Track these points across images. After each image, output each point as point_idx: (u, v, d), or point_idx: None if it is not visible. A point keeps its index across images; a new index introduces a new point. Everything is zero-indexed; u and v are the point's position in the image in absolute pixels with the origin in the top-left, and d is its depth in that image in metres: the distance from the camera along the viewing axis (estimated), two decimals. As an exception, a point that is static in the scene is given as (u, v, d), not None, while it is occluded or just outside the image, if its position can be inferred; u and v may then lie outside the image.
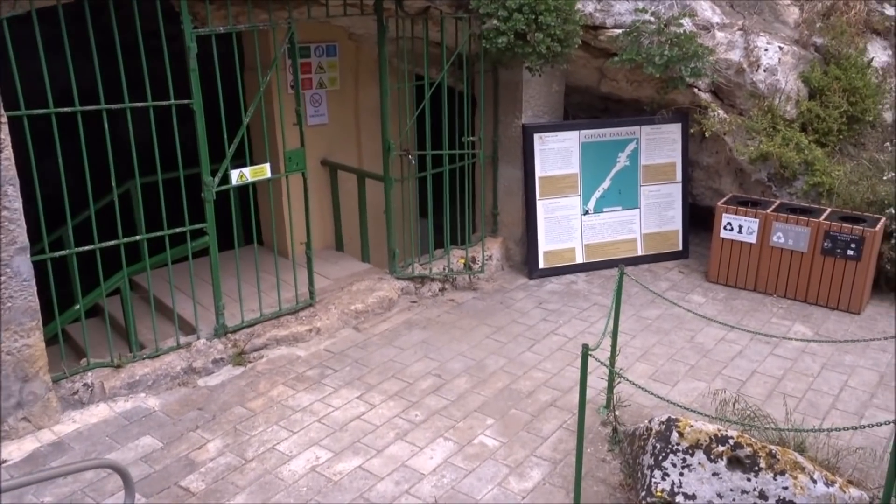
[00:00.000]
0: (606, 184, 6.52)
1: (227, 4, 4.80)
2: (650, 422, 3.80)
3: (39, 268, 4.20)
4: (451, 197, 6.05)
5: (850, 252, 5.54)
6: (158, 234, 4.70)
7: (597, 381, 4.48)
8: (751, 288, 6.05)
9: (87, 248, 4.45)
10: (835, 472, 3.59)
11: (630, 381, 3.60)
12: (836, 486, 3.39)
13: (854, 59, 6.25)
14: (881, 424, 3.10)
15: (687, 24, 5.85)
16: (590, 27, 5.81)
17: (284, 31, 5.04)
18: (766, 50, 6.05)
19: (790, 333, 5.31)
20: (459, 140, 5.94)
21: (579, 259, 6.53)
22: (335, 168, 6.77)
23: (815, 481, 3.36)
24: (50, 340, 4.59)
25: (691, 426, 3.56)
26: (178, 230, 4.76)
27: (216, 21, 4.85)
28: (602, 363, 3.64)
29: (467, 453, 4.08)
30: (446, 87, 5.72)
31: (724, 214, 6.02)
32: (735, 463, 3.44)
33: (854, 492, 3.43)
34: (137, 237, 4.66)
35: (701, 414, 3.53)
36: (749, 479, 3.39)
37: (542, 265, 6.43)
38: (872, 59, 6.42)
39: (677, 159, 6.61)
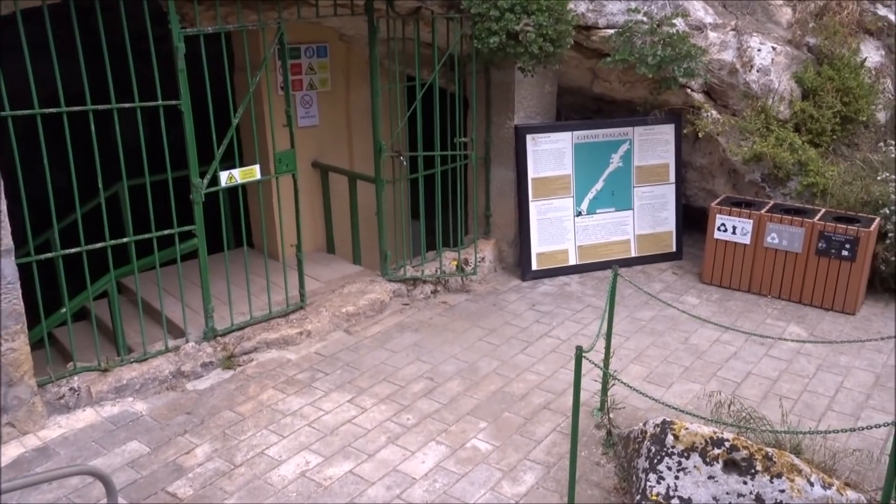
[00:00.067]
0: (599, 185, 6.49)
1: (215, 5, 4.74)
2: (645, 424, 3.75)
3: (25, 271, 4.14)
4: (443, 198, 6.00)
5: (845, 252, 5.51)
6: (146, 236, 4.64)
7: (590, 384, 4.44)
8: (745, 289, 6.03)
9: (73, 250, 4.39)
10: (832, 474, 3.55)
11: (624, 384, 3.56)
12: (834, 488, 3.35)
13: (847, 59, 6.24)
14: (880, 426, 3.07)
15: (679, 24, 5.83)
16: (582, 27, 5.78)
17: (274, 32, 4.99)
18: (759, 50, 6.03)
19: (785, 334, 5.28)
20: (451, 141, 5.90)
21: (572, 261, 6.50)
22: (326, 170, 6.72)
23: (812, 484, 3.32)
24: (36, 344, 4.52)
25: (686, 429, 3.52)
26: (166, 232, 4.70)
27: (205, 22, 4.80)
28: (596, 365, 3.59)
29: (460, 457, 4.03)
30: (438, 88, 5.68)
31: (717, 215, 6.00)
32: (731, 466, 3.39)
33: (851, 494, 3.39)
34: (125, 239, 4.59)
35: (696, 416, 3.49)
36: (745, 483, 3.34)
37: (535, 267, 6.38)
38: (865, 59, 6.41)
39: (670, 160, 6.59)
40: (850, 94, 6.12)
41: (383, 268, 6.01)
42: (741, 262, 5.99)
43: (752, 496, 3.34)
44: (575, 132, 6.34)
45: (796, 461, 3.40)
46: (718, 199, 6.19)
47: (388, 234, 5.96)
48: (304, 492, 3.77)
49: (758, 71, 6.01)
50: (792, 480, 3.32)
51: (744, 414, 3.92)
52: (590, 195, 6.49)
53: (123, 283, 5.97)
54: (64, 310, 4.63)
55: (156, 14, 4.52)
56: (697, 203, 6.85)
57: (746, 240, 5.91)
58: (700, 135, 6.17)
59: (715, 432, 3.48)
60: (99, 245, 4.48)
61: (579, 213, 6.48)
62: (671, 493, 3.44)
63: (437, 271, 6.07)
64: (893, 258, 5.60)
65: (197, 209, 4.77)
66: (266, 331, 5.22)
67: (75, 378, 4.52)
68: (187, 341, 4.97)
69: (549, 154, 6.29)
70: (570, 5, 5.53)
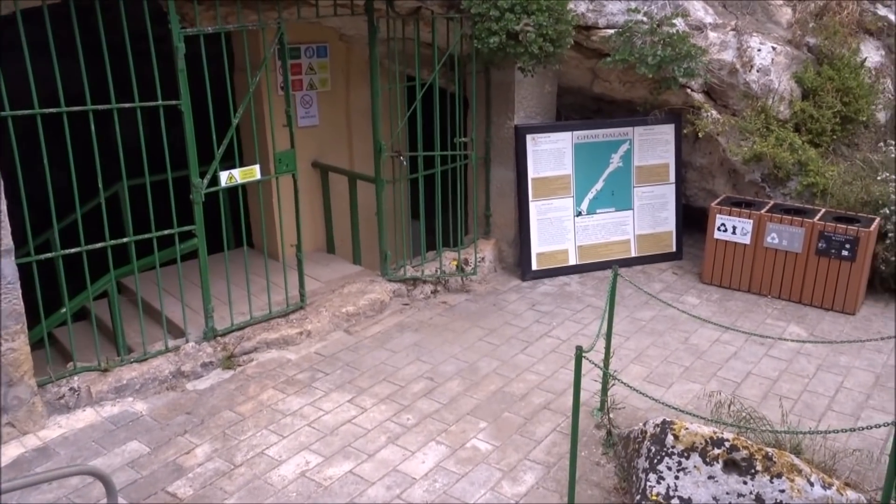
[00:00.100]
0: (599, 185, 6.49)
1: (215, 5, 4.74)
2: (645, 424, 3.75)
3: (25, 271, 4.14)
4: (443, 198, 6.00)
5: (845, 252, 5.51)
6: (146, 236, 4.64)
7: (590, 384, 4.44)
8: (745, 289, 6.02)
9: (73, 250, 4.39)
10: (832, 474, 3.55)
11: (624, 384, 3.56)
12: (834, 488, 3.35)
13: (847, 59, 6.24)
14: (880, 426, 3.07)
15: (679, 24, 5.83)
16: (582, 27, 5.78)
17: (274, 32, 4.99)
18: (759, 50, 6.03)
19: (785, 334, 5.28)
20: (451, 141, 5.90)
21: (572, 261, 6.49)
22: (326, 170, 6.72)
23: (812, 484, 3.32)
24: (37, 344, 4.52)
25: (686, 429, 3.51)
26: (166, 232, 4.70)
27: (205, 22, 4.80)
28: (596, 365, 3.59)
29: (460, 457, 4.03)
30: (438, 88, 5.68)
31: (717, 215, 5.99)
32: (731, 466, 3.39)
33: (851, 494, 3.39)
34: (125, 239, 4.59)
35: (696, 416, 3.49)
36: (745, 483, 3.34)
37: (535, 267, 6.38)
38: (865, 59, 6.41)
39: (670, 160, 6.59)
40: (850, 94, 6.11)
41: (383, 268, 6.01)
42: (741, 262, 5.99)
43: (752, 496, 3.34)
44: (575, 132, 6.34)
45: (796, 461, 3.40)
46: (718, 199, 6.19)
47: (388, 234, 5.96)
48: (304, 492, 3.77)
49: (758, 71, 6.01)
50: (792, 480, 3.32)
51: (744, 414, 3.92)
52: (590, 195, 6.49)
53: (123, 283, 5.97)
54: (64, 310, 4.63)
55: (156, 14, 4.52)
56: (697, 203, 6.84)
57: (746, 240, 5.91)
58: (700, 135, 6.17)
59: (715, 432, 3.48)
60: (99, 245, 4.47)
61: (579, 213, 6.48)
62: (671, 493, 3.44)
63: (437, 271, 6.06)
64: (893, 258, 5.60)
65: (197, 209, 4.77)
66: (266, 331, 5.21)
67: (75, 378, 4.52)
68: (187, 341, 4.96)
69: (549, 154, 6.29)
70: (570, 5, 5.53)
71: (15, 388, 4.08)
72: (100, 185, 4.45)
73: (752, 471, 3.35)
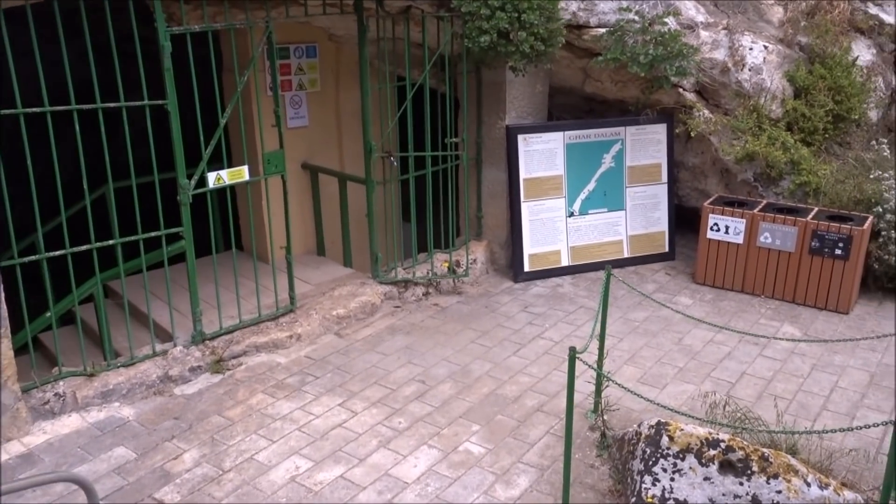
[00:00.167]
0: (591, 185, 6.45)
1: (202, 4, 4.69)
2: (639, 426, 3.71)
3: (9, 274, 4.06)
4: (435, 200, 5.94)
5: (838, 251, 5.49)
6: (132, 238, 4.56)
7: (584, 385, 4.39)
8: (738, 289, 6.00)
9: (58, 252, 4.31)
10: (828, 474, 3.52)
11: (619, 384, 3.51)
12: (830, 488, 3.32)
13: (839, 57, 6.24)
14: (877, 425, 3.04)
15: (671, 22, 5.81)
16: (573, 26, 5.75)
17: (262, 31, 4.93)
18: (750, 49, 6.01)
19: (779, 334, 5.26)
20: (442, 142, 5.85)
21: (565, 262, 6.45)
22: (316, 171, 6.66)
23: (808, 484, 3.28)
24: (21, 349, 4.44)
25: (682, 430, 3.47)
26: (152, 234, 4.62)
27: (192, 21, 4.74)
28: (590, 366, 3.55)
29: (452, 461, 3.97)
30: (428, 88, 5.63)
31: (710, 215, 5.97)
32: (727, 467, 3.35)
33: (848, 494, 3.35)
34: (111, 241, 4.51)
35: (691, 417, 3.44)
36: (742, 484, 3.30)
37: (527, 268, 6.34)
38: (857, 57, 6.41)
39: (663, 160, 6.56)
40: (842, 92, 6.11)
41: (374, 270, 5.95)
42: (734, 262, 5.96)
43: (749, 497, 3.30)
44: (566, 132, 6.31)
45: (793, 461, 3.36)
46: (711, 199, 6.17)
47: (378, 236, 5.90)
48: (294, 497, 3.70)
49: (750, 70, 6.00)
50: (788, 481, 3.28)
51: (739, 414, 3.89)
52: (582, 196, 6.45)
53: (111, 286, 5.89)
54: (49, 314, 4.55)
55: (143, 14, 4.46)
56: (690, 203, 6.82)
57: (739, 239, 5.89)
58: (692, 134, 6.14)
59: (710, 433, 3.44)
60: (84, 247, 4.40)
61: (571, 214, 6.44)
62: (667, 496, 3.39)
63: (428, 273, 6.01)
64: (887, 256, 5.59)
65: (184, 210, 4.70)
66: (255, 334, 5.15)
67: (61, 383, 4.44)
68: (175, 345, 4.89)
69: (541, 154, 6.25)
70: (562, 4, 5.50)
71: (-2, 394, 4.00)
72: (84, 186, 4.37)
73: (749, 472, 3.31)
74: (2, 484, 2.45)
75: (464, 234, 6.36)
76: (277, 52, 5.30)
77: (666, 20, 5.76)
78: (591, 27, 5.81)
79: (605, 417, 4.15)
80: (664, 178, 6.60)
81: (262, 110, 5.02)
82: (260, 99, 5.02)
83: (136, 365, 4.67)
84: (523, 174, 6.22)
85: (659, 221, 6.66)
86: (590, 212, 6.48)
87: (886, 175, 5.72)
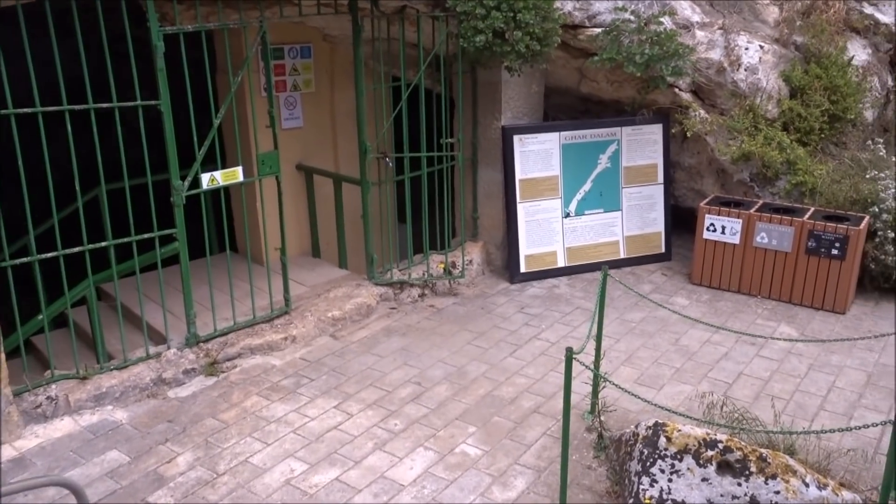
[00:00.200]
0: (587, 186, 6.44)
1: (195, 4, 4.65)
2: (637, 427, 3.68)
3: (1, 277, 4.01)
4: (430, 200, 5.92)
5: (835, 251, 5.48)
6: (126, 240, 4.52)
7: (581, 386, 4.37)
8: (735, 289, 5.98)
9: (50, 254, 4.27)
10: (826, 474, 3.50)
11: (616, 385, 3.49)
12: (829, 489, 3.30)
13: (834, 57, 6.23)
14: (875, 425, 3.02)
15: (667, 22, 5.79)
16: (569, 26, 5.73)
17: (256, 31, 4.90)
18: (746, 49, 6.01)
19: (775, 334, 5.24)
20: (438, 142, 5.82)
21: (561, 263, 6.43)
22: (311, 172, 6.62)
23: (807, 485, 3.26)
24: (13, 352, 4.40)
25: (679, 430, 3.45)
26: (146, 236, 4.58)
27: (185, 21, 4.71)
28: (587, 367, 3.53)
29: (448, 463, 3.94)
30: (423, 89, 5.60)
31: (706, 215, 5.95)
32: (725, 468, 3.33)
33: (847, 495, 3.33)
34: (103, 243, 4.47)
35: (688, 417, 3.42)
36: (740, 484, 3.28)
37: (523, 269, 6.32)
38: (853, 57, 6.40)
39: (659, 160, 6.55)
40: (838, 92, 6.10)
41: (370, 271, 5.92)
42: (731, 263, 5.95)
43: (747, 498, 3.27)
44: (562, 132, 6.29)
45: (791, 462, 3.34)
46: (707, 199, 6.16)
47: (374, 237, 5.87)
48: (289, 500, 3.67)
49: (745, 70, 5.99)
50: (787, 481, 3.26)
51: (736, 415, 3.87)
52: (578, 196, 6.43)
53: (103, 288, 5.84)
54: (41, 316, 4.50)
55: (136, 14, 4.43)
56: (686, 204, 6.81)
57: (736, 240, 5.87)
58: (688, 134, 6.13)
59: (708, 434, 3.42)
60: (77, 249, 4.36)
61: (567, 215, 6.42)
62: (664, 497, 3.37)
63: (424, 274, 5.98)
64: (883, 256, 5.58)
65: (178, 212, 4.66)
66: (250, 336, 5.11)
67: (53, 386, 4.40)
68: (169, 348, 4.85)
69: (537, 155, 6.23)
70: (557, 3, 5.48)
71: (-11, 398, 3.96)
72: (77, 188, 4.33)
73: (747, 472, 3.29)
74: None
75: (460, 236, 6.34)
76: (272, 52, 5.26)
77: (662, 20, 5.75)
78: (587, 27, 5.80)
79: (602, 418, 4.12)
80: (660, 178, 6.59)
81: (257, 111, 4.99)
82: (254, 99, 4.99)
83: (130, 368, 4.63)
84: (519, 175, 6.20)
85: (655, 222, 6.65)
86: (586, 212, 6.46)
87: (882, 175, 5.72)
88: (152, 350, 4.81)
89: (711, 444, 3.37)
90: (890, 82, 6.82)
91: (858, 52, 6.56)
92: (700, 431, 3.44)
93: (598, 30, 5.79)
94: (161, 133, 4.52)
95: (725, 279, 6.01)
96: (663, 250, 6.68)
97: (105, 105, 4.24)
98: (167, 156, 4.57)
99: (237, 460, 3.97)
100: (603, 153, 6.43)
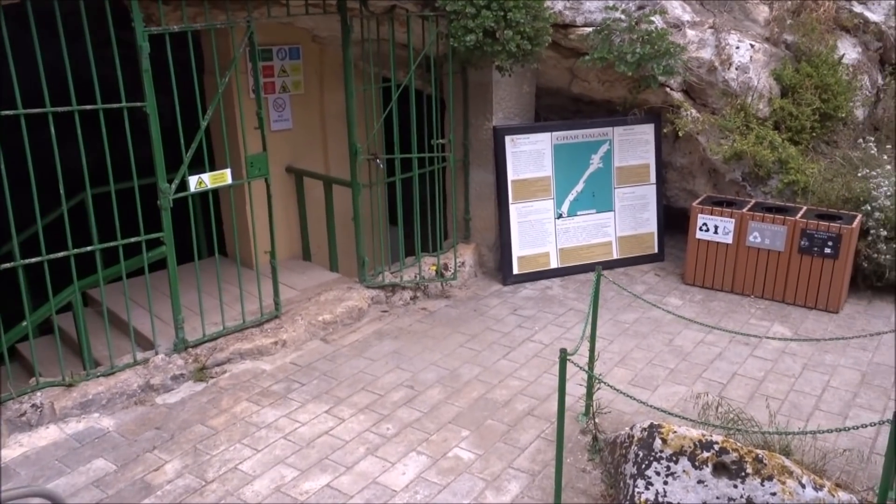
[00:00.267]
0: (580, 186, 6.40)
1: (181, 5, 4.59)
2: (632, 429, 3.64)
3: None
4: (422, 202, 5.87)
5: (828, 250, 5.47)
6: (112, 244, 4.45)
7: (575, 388, 4.32)
8: (728, 289, 5.96)
9: (34, 259, 4.19)
10: (822, 475, 3.47)
11: (610, 386, 3.44)
12: (825, 490, 3.27)
13: (825, 56, 6.23)
14: (873, 425, 2.99)
15: (658, 21, 5.77)
16: (559, 26, 5.70)
17: (243, 31, 4.84)
18: (737, 48, 5.99)
19: (769, 334, 5.22)
20: (429, 143, 5.78)
21: (554, 264, 6.39)
22: (301, 175, 6.56)
23: (803, 486, 3.23)
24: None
25: (674, 432, 3.41)
26: (132, 240, 4.51)
27: (171, 22, 4.64)
28: (581, 368, 3.49)
29: (441, 467, 3.89)
30: (414, 90, 5.56)
31: (699, 215, 5.93)
32: (721, 469, 3.29)
33: (843, 495, 3.30)
34: (89, 248, 4.40)
35: (684, 419, 3.38)
36: (736, 486, 3.24)
37: (516, 271, 6.27)
38: (843, 55, 6.40)
39: (651, 160, 6.52)
40: (829, 91, 6.09)
41: (361, 274, 5.86)
42: (724, 262, 5.93)
43: (744, 500, 3.24)
44: (554, 133, 6.26)
45: (787, 463, 3.31)
46: (700, 199, 6.13)
47: (365, 240, 5.81)
48: (278, 508, 3.61)
49: (736, 69, 5.97)
50: (783, 482, 3.23)
51: (731, 415, 3.83)
52: (570, 197, 6.40)
53: (90, 293, 5.76)
54: (25, 323, 4.42)
55: (121, 14, 4.36)
56: (678, 204, 6.79)
57: (728, 239, 5.85)
58: (680, 134, 6.11)
59: (703, 435, 3.38)
60: (62, 254, 4.28)
61: (560, 216, 6.38)
62: (660, 500, 3.33)
63: (416, 277, 5.93)
64: (876, 255, 5.57)
65: (165, 215, 4.60)
66: (240, 341, 5.04)
67: (38, 394, 4.32)
68: (157, 353, 4.78)
69: (529, 155, 6.19)
70: (548, 3, 5.45)
71: (-28, 406, 3.88)
72: (61, 192, 4.26)
73: (743, 474, 3.25)
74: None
75: (451, 237, 6.29)
76: (260, 53, 5.21)
77: (652, 18, 5.73)
78: (578, 26, 5.77)
79: (597, 420, 4.08)
80: (652, 178, 6.56)
81: (245, 113, 4.93)
82: (242, 101, 4.93)
83: (117, 374, 4.55)
84: (511, 176, 6.16)
85: (648, 222, 6.62)
86: (578, 213, 6.43)
87: (874, 173, 5.71)
88: (140, 356, 4.74)
89: (707, 445, 3.33)
90: (880, 80, 6.83)
91: (848, 51, 6.56)
92: (695, 433, 3.40)
93: (589, 29, 5.76)
94: (146, 135, 4.45)
95: (718, 279, 5.99)
96: (656, 251, 6.66)
97: (90, 107, 4.17)
98: (153, 158, 4.50)
99: (226, 467, 3.91)
100: (595, 153, 6.40)
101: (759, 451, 3.31)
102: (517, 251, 6.27)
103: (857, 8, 6.74)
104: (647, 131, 6.43)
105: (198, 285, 4.95)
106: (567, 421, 3.93)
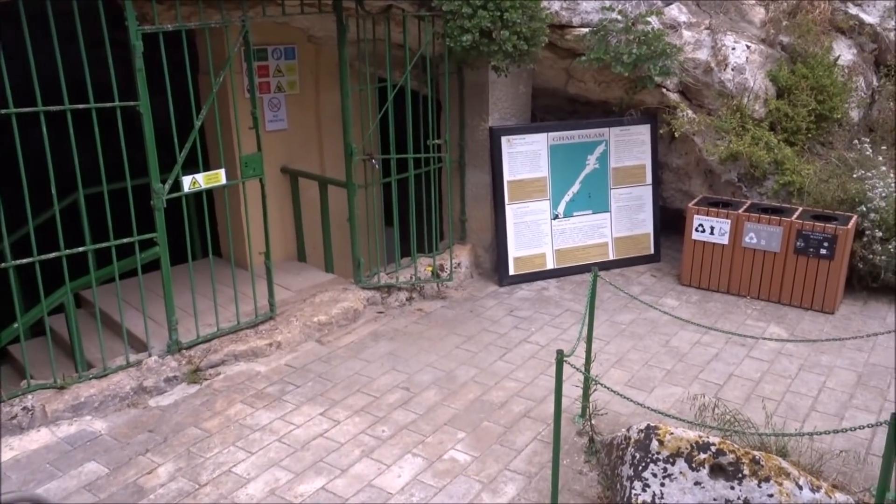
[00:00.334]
0: (576, 187, 6.39)
1: (175, 4, 4.56)
2: (628, 430, 3.63)
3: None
4: (418, 203, 5.84)
5: (823, 251, 5.46)
6: (105, 244, 4.41)
7: (571, 390, 4.31)
8: (724, 290, 5.95)
9: (25, 260, 4.15)
10: (819, 476, 3.46)
11: (607, 388, 3.42)
12: (822, 491, 3.26)
13: (820, 57, 6.23)
14: (871, 426, 2.98)
15: (654, 22, 5.76)
16: (556, 26, 5.69)
17: (238, 31, 4.81)
18: (733, 49, 5.99)
19: (765, 335, 5.21)
20: (425, 144, 5.75)
21: (550, 265, 6.38)
22: (296, 175, 6.53)
23: (800, 487, 3.22)
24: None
25: (671, 434, 3.40)
26: (125, 241, 4.47)
27: (165, 22, 4.61)
28: (577, 369, 3.47)
29: (437, 469, 3.86)
30: (410, 90, 5.53)
31: (695, 216, 5.92)
32: (718, 471, 3.28)
33: (840, 497, 3.30)
34: (81, 248, 4.36)
35: (680, 420, 3.37)
36: (733, 488, 3.23)
37: (512, 272, 6.25)
38: (839, 57, 6.41)
39: (647, 161, 6.52)
40: (824, 92, 6.10)
41: (356, 275, 5.83)
42: (720, 263, 5.92)
43: (740, 501, 3.22)
44: (550, 133, 6.24)
45: (784, 464, 3.30)
46: (695, 200, 6.13)
47: (360, 241, 5.78)
48: (273, 511, 3.58)
49: (732, 70, 5.97)
50: (780, 484, 3.22)
51: (728, 417, 3.82)
52: (566, 198, 6.38)
53: (82, 295, 5.72)
54: (17, 324, 4.38)
55: (115, 14, 4.32)
56: (674, 205, 6.78)
57: (724, 240, 5.85)
58: (676, 135, 6.10)
59: (700, 436, 3.37)
60: (53, 255, 4.24)
61: (556, 217, 6.37)
62: (657, 501, 3.31)
63: (411, 278, 5.90)
64: (871, 256, 5.57)
65: (158, 215, 4.56)
66: (234, 343, 5.01)
67: (29, 396, 4.28)
68: (150, 355, 4.74)
69: (525, 156, 6.17)
70: (544, 3, 5.43)
71: (-38, 409, 3.84)
72: (53, 192, 4.22)
73: (740, 475, 3.24)
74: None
75: (447, 238, 6.26)
76: (255, 53, 5.18)
77: (649, 19, 5.72)
78: (574, 27, 5.76)
79: (594, 422, 4.06)
80: (649, 179, 6.55)
81: (240, 113, 4.90)
82: (237, 101, 4.90)
83: (109, 376, 4.51)
84: (507, 176, 6.14)
85: (644, 223, 6.61)
86: (574, 214, 6.42)
87: (869, 174, 5.72)
88: (133, 358, 4.70)
89: (704, 447, 3.32)
90: (875, 82, 6.84)
91: (844, 52, 6.56)
92: (692, 434, 3.39)
93: (586, 30, 5.75)
94: (140, 135, 4.42)
95: (714, 280, 5.98)
96: (652, 251, 6.65)
97: (82, 106, 4.13)
98: (147, 158, 4.47)
99: (220, 470, 3.87)
100: (591, 154, 6.38)
101: (755, 453, 3.30)
102: (513, 252, 6.25)
103: (853, 10, 6.75)
104: (643, 132, 6.43)
105: (192, 286, 4.92)
106: (563, 423, 3.91)
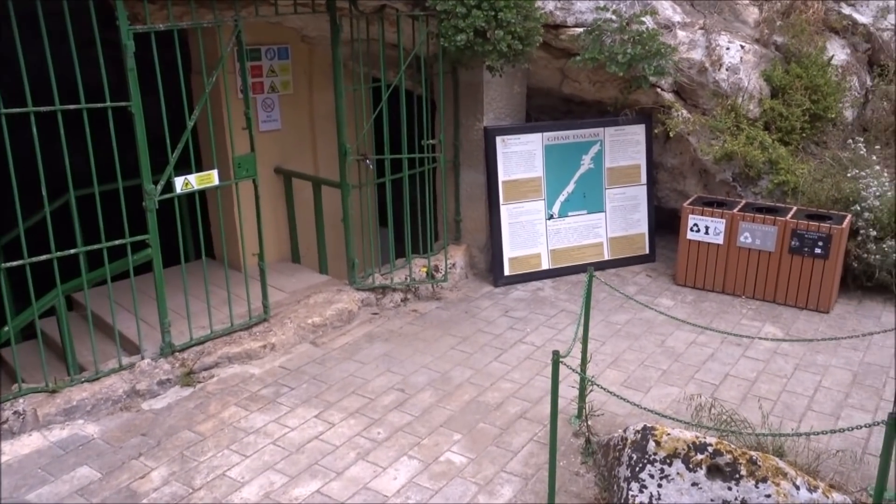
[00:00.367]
0: (571, 187, 6.38)
1: (167, 3, 4.52)
2: (625, 431, 3.61)
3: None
4: (412, 203, 5.82)
5: (818, 250, 5.47)
6: (96, 246, 4.37)
7: (567, 390, 4.29)
8: (719, 290, 5.95)
9: (15, 262, 4.11)
10: (816, 476, 3.45)
11: (604, 388, 3.41)
12: (819, 491, 3.24)
13: (814, 57, 6.24)
14: (868, 426, 2.97)
15: (649, 22, 5.76)
16: (550, 26, 5.68)
17: (231, 30, 4.78)
18: (727, 49, 5.99)
19: (760, 335, 5.21)
20: (419, 144, 5.73)
21: (545, 265, 6.36)
22: (289, 176, 6.50)
23: (797, 487, 3.20)
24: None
25: (668, 434, 3.38)
26: (117, 242, 4.43)
27: (157, 21, 4.57)
28: (573, 370, 3.45)
29: (433, 472, 3.84)
30: (404, 90, 5.51)
31: (690, 216, 5.92)
32: (715, 471, 3.26)
33: (837, 496, 3.28)
34: (72, 251, 4.31)
35: (677, 420, 3.35)
36: (730, 488, 3.21)
37: (507, 272, 6.24)
38: (832, 56, 6.42)
39: (642, 161, 6.51)
40: (819, 91, 6.11)
41: (351, 276, 5.80)
42: (714, 263, 5.92)
43: (738, 502, 3.21)
44: (545, 133, 6.23)
45: (781, 464, 3.28)
46: (690, 200, 6.13)
47: (355, 242, 5.76)
48: (268, 514, 3.54)
49: (727, 69, 5.97)
50: (777, 484, 3.20)
51: (724, 417, 3.81)
52: (561, 198, 6.37)
53: (74, 297, 5.67)
54: (7, 328, 4.33)
55: (106, 14, 4.29)
56: (669, 205, 6.78)
57: (719, 240, 5.84)
58: (671, 134, 6.10)
59: (697, 437, 3.35)
60: (44, 257, 4.20)
61: (551, 217, 6.35)
62: (654, 502, 3.29)
63: (406, 279, 5.88)
64: (866, 255, 5.58)
65: (150, 217, 4.52)
66: (228, 345, 4.97)
67: (20, 400, 4.23)
68: (143, 358, 4.70)
69: (520, 156, 6.16)
70: (538, 3, 5.42)
71: (-48, 413, 3.79)
72: (43, 193, 4.17)
73: (737, 476, 3.22)
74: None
75: (442, 239, 6.24)
76: (248, 53, 5.15)
77: (643, 19, 5.71)
78: (569, 27, 5.74)
79: (590, 423, 4.05)
80: (643, 179, 6.55)
81: (233, 113, 4.86)
82: (230, 101, 4.87)
83: (102, 379, 4.47)
84: (502, 176, 6.12)
85: (639, 223, 6.60)
86: (569, 214, 6.40)
87: (863, 174, 5.73)
88: (125, 361, 4.66)
89: (701, 447, 3.30)
90: (868, 82, 6.86)
91: (838, 52, 6.58)
92: (689, 435, 3.37)
93: (580, 29, 5.74)
94: (131, 136, 4.38)
95: (710, 279, 5.98)
96: (647, 251, 6.64)
97: (73, 107, 4.09)
98: (139, 159, 4.43)
99: (214, 474, 3.84)
100: (586, 154, 6.37)
101: (752, 453, 3.29)
102: (508, 252, 6.23)
103: (846, 10, 6.77)
104: (637, 132, 6.42)
105: (184, 288, 4.88)
106: (560, 424, 3.89)
